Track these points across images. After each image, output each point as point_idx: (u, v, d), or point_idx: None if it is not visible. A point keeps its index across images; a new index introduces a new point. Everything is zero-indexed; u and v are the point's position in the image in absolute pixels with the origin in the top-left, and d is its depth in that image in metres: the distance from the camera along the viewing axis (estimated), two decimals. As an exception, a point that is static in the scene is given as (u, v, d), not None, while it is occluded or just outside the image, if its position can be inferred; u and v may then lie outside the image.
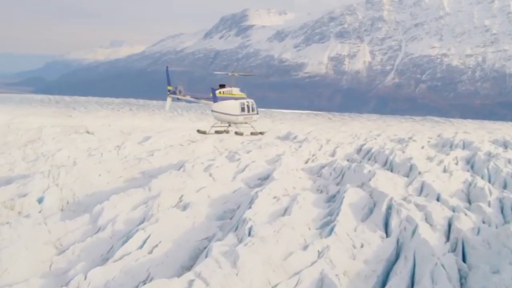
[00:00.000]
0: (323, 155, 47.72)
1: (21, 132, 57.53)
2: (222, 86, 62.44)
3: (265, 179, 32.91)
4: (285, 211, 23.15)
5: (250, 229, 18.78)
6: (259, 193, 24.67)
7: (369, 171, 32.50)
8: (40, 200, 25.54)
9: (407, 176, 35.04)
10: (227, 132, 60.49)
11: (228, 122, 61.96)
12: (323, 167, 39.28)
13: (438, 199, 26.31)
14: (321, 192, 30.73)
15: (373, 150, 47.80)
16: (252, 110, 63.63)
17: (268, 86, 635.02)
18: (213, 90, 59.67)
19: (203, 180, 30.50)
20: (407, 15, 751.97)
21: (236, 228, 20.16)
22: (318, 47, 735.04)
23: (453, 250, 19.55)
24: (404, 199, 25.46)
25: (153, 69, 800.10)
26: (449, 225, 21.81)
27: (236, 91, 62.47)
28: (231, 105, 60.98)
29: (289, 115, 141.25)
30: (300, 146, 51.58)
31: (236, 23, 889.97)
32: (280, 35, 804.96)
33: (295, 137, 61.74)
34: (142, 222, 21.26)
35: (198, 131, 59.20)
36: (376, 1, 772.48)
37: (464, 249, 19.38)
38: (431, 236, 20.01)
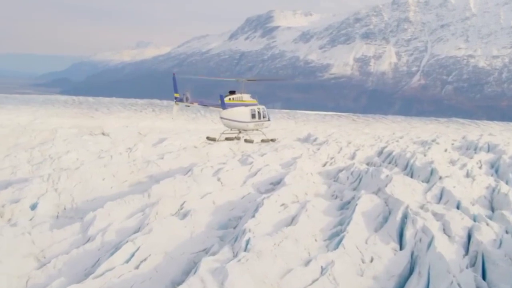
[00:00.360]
0: (342, 158, 46.07)
1: (34, 134, 56.48)
2: (232, 92, 60.10)
3: (277, 183, 31.28)
4: (292, 220, 21.53)
5: (247, 242, 17.07)
6: (265, 201, 23.04)
7: (387, 175, 30.75)
8: (33, 207, 24.11)
9: (428, 181, 33.35)
10: (238, 139, 58.68)
11: (238, 129, 60.19)
12: (340, 171, 37.63)
13: (458, 207, 24.55)
14: (336, 197, 29.14)
15: (394, 153, 46.11)
16: (263, 117, 61.41)
17: (293, 88, 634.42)
18: (222, 97, 58.04)
19: (210, 185, 28.94)
20: (433, 16, 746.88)
21: (236, 240, 18.55)
22: (343, 48, 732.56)
23: (472, 265, 17.81)
24: (422, 207, 23.75)
25: (179, 70, 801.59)
26: (469, 236, 20.02)
27: (246, 97, 60.35)
28: (241, 111, 58.77)
29: (313, 117, 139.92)
30: (319, 149, 49.94)
31: (262, 24, 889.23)
32: (305, 36, 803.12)
33: (315, 139, 60.35)
34: (136, 231, 19.74)
35: (208, 138, 57.69)
36: (402, 2, 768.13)
37: (484, 264, 17.64)
38: (448, 249, 18.24)
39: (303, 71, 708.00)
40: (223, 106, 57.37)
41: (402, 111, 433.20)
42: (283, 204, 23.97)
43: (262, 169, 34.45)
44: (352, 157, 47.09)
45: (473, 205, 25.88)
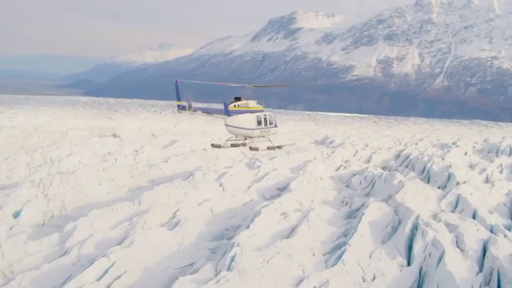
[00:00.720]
0: (357, 161, 44.52)
1: (44, 135, 55.27)
2: (237, 99, 58.52)
3: (284, 189, 29.52)
4: (292, 231, 19.78)
5: (232, 259, 15.35)
6: (263, 209, 21.39)
7: (400, 181, 28.99)
8: (16, 214, 22.48)
9: (445, 186, 31.64)
10: (244, 145, 57.11)
11: (244, 136, 58.23)
12: (354, 175, 36.01)
13: (474, 216, 22.76)
14: (346, 204, 27.45)
15: (411, 157, 44.32)
16: (270, 123, 59.59)
17: (316, 89, 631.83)
18: (226, 104, 56.20)
19: (210, 191, 27.30)
20: (457, 17, 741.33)
21: (224, 254, 16.83)
22: (366, 50, 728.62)
23: (487, 283, 16.05)
24: (434, 216, 22.00)
25: (201, 71, 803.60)
26: (484, 250, 18.22)
27: (252, 104, 58.76)
28: (246, 118, 56.96)
29: (334, 118, 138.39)
30: (333, 152, 48.34)
31: (284, 26, 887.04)
32: (328, 38, 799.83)
33: (332, 142, 59.03)
34: (120, 243, 18.03)
35: (213, 145, 55.88)
36: (425, 4, 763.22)
37: (500, 283, 15.87)
38: (461, 265, 16.47)
39: (325, 73, 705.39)
40: (227, 113, 55.62)
41: (425, 113, 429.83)
42: (283, 213, 22.24)
43: (269, 174, 32.78)
44: (368, 160, 45.58)
45: (491, 213, 24.12)
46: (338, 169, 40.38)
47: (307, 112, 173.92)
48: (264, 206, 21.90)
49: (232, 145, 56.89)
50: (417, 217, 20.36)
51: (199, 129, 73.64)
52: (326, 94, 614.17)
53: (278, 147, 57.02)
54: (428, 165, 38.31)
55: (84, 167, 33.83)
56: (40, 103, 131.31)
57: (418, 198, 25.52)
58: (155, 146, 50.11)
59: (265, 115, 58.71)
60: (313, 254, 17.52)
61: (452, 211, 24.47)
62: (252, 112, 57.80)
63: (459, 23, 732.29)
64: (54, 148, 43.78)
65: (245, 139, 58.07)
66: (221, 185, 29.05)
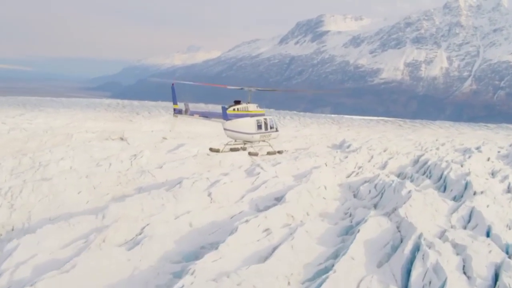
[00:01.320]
0: (371, 167, 42.04)
1: (47, 138, 53.11)
2: (237, 102, 56.25)
3: (282, 199, 26.76)
4: (272, 252, 16.97)
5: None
6: (241, 226, 18.62)
7: (409, 191, 26.13)
8: (-31, 227, 19.97)
9: (461, 196, 28.83)
10: (244, 149, 55.21)
11: (244, 141, 56.07)
12: (365, 182, 33.28)
13: (488, 234, 19.93)
14: (348, 217, 24.68)
15: (429, 163, 41.56)
16: (271, 128, 57.15)
17: (343, 93, 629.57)
18: (224, 108, 54.45)
19: (194, 201, 24.53)
20: (486, 20, 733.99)
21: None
22: (394, 53, 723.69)
23: (495, 321, 13.24)
24: (441, 234, 19.20)
25: (228, 74, 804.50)
26: (495, 277, 15.39)
27: (252, 107, 56.40)
28: (246, 122, 54.63)
29: (358, 122, 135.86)
30: (347, 157, 45.81)
31: (312, 29, 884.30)
32: (355, 41, 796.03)
33: (349, 146, 56.62)
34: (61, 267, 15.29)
35: (211, 149, 53.61)
36: (454, 6, 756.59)
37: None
38: (465, 299, 13.66)
39: (353, 76, 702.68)
40: (225, 117, 53.74)
41: (453, 116, 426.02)
42: (266, 230, 19.38)
43: (268, 182, 29.97)
44: (383, 166, 43.19)
45: (509, 229, 21.19)
46: (349, 175, 37.91)
47: (333, 115, 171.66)
48: (244, 222, 19.13)
49: (232, 150, 55.21)
50: (420, 236, 17.59)
51: (215, 132, 71.07)
52: (353, 98, 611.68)
53: (279, 152, 55.11)
54: (445, 172, 35.49)
55: (64, 174, 31.32)
56: (63, 105, 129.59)
57: (426, 211, 22.66)
58: (160, 150, 47.88)
59: (265, 119, 56.51)
60: (288, 283, 14.77)
61: (464, 227, 21.65)
62: (252, 116, 55.75)
63: (487, 26, 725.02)
64: (47, 152, 41.24)
65: (245, 143, 56.24)
66: (209, 194, 26.29)
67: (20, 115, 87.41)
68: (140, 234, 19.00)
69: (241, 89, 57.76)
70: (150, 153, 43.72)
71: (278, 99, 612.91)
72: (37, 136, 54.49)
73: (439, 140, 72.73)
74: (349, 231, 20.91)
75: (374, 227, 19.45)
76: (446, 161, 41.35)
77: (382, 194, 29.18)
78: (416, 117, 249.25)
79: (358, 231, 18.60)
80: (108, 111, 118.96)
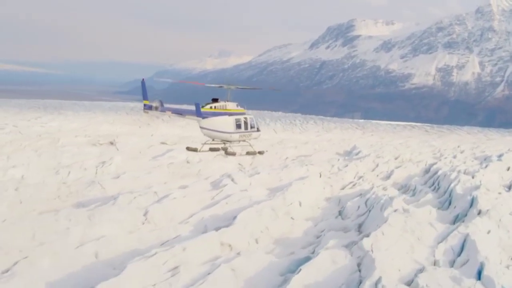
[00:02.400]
0: (373, 177, 38.01)
1: (28, 142, 48.99)
2: (215, 100, 54.25)
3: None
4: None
5: None
6: (134, 264, 13.81)
7: (394, 210, 21.34)
8: None
9: (465, 215, 23.93)
10: (224, 149, 53.11)
11: (222, 141, 53.79)
12: (357, 196, 28.57)
13: (479, 274, 15.00)
14: (318, 242, 19.90)
15: (439, 173, 36.93)
16: (251, 127, 55.22)
17: (374, 97, 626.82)
18: (198, 105, 52.56)
19: (118, 224, 19.77)
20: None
21: None
22: (425, 58, 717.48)
23: None
24: (414, 276, 14.27)
25: (259, 78, 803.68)
26: None
27: (231, 105, 54.51)
28: (223, 121, 52.65)
29: (384, 127, 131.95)
30: (347, 165, 41.18)
31: (343, 33, 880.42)
32: (387, 46, 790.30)
33: (358, 153, 52.39)
34: None
35: (188, 148, 51.95)
36: (486, 11, 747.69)
37: None
38: None
39: (384, 81, 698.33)
40: (199, 115, 51.90)
41: (485, 122, 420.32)
42: (174, 269, 14.41)
43: (232, 197, 25.17)
44: (388, 176, 38.98)
45: (506, 270, 16.16)
46: (344, 187, 33.35)
47: (359, 120, 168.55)
48: (141, 258, 14.35)
49: (212, 149, 53.30)
50: (378, 281, 12.74)
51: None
52: (384, 103, 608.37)
53: (259, 152, 53.11)
54: (452, 185, 30.55)
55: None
56: (85, 109, 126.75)
57: (404, 241, 17.74)
58: (144, 156, 43.92)
59: (245, 118, 54.38)
60: None
61: (452, 263, 16.73)
62: (231, 114, 53.59)
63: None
64: (4, 158, 36.79)
65: (224, 143, 54.01)
66: (146, 213, 21.51)
67: (36, 118, 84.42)
68: (5, 272, 14.31)
69: (220, 87, 56.00)
70: (122, 160, 39.26)
71: (308, 104, 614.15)
72: (21, 141, 50.45)
73: (461, 146, 68.19)
74: (301, 265, 16.11)
75: (326, 264, 14.69)
76: (458, 171, 36.69)
77: (370, 212, 24.51)
78: (447, 122, 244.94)
79: (299, 271, 13.86)
80: (129, 115, 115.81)
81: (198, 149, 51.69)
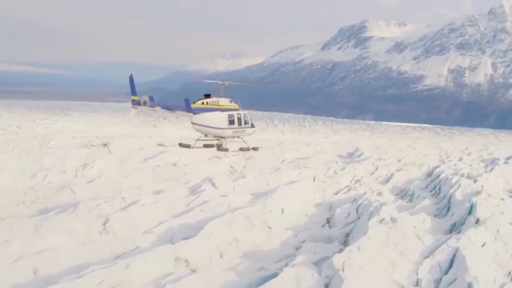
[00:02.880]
0: (371, 181, 36.32)
1: (18, 143, 47.56)
2: (207, 96, 54.15)
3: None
4: None
5: None
6: None
7: (381, 220, 19.43)
8: None
9: (463, 224, 22.02)
10: (219, 146, 53.12)
11: (215, 136, 53.99)
12: (349, 202, 26.75)
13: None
14: (295, 255, 17.97)
15: (441, 177, 35.03)
16: (245, 123, 55.14)
17: (385, 99, 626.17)
18: (187, 101, 52.70)
19: (70, 234, 17.80)
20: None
21: None
22: (437, 59, 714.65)
23: None
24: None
25: (271, 79, 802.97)
26: None
27: (224, 101, 54.32)
28: (216, 117, 52.70)
29: (394, 128, 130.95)
30: (344, 169, 39.38)
31: (355, 35, 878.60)
32: (399, 47, 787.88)
33: (360, 155, 50.64)
34: None
35: (181, 144, 52.65)
36: (499, 12, 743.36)
37: None
38: None
39: (396, 82, 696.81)
40: (189, 110, 52.38)
41: (497, 124, 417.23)
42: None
43: (208, 203, 23.23)
44: (387, 180, 37.32)
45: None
46: (338, 192, 31.53)
47: (370, 122, 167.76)
48: (76, 276, 12.44)
49: (205, 146, 53.87)
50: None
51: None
52: (396, 104, 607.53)
53: (254, 148, 53.56)
54: (451, 190, 28.64)
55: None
56: (93, 110, 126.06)
57: (383, 257, 15.76)
58: (134, 158, 42.07)
59: (239, 114, 54.59)
60: None
61: (436, 283, 14.76)
62: (223, 110, 53.67)
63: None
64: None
65: (217, 139, 54.20)
66: (105, 222, 19.58)
67: (41, 119, 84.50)
68: None
69: (216, 83, 56.86)
70: (106, 163, 37.55)
71: (319, 105, 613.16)
72: (15, 142, 48.96)
73: (469, 148, 66.24)
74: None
75: (288, 285, 12.73)
76: (461, 175, 34.83)
77: (358, 220, 22.65)
78: (459, 124, 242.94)
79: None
80: (136, 116, 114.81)
81: (192, 146, 51.61)
